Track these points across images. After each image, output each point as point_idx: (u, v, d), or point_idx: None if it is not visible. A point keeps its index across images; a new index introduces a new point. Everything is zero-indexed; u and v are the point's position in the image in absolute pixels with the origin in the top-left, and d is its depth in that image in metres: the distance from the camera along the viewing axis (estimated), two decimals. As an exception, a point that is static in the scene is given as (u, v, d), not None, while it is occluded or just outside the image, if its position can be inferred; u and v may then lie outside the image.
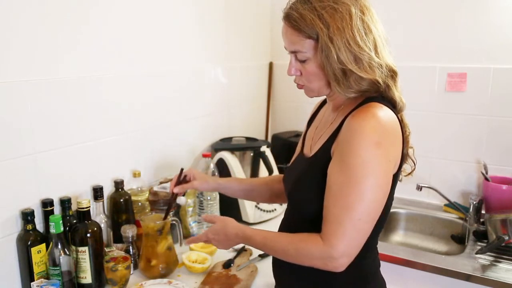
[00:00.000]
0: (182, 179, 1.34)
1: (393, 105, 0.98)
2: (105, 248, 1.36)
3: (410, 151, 1.08)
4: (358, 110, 0.93)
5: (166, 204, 1.56)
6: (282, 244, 0.97)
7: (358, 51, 0.90)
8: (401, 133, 0.95)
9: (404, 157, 1.07)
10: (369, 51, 0.91)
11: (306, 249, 0.92)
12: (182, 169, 1.35)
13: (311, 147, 1.06)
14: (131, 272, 1.33)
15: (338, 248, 0.88)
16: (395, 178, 0.96)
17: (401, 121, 1.01)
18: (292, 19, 0.94)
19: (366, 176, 0.87)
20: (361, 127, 0.88)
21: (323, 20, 0.90)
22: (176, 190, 1.31)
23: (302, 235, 0.96)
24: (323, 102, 1.19)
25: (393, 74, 0.97)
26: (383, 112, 0.91)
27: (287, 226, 1.11)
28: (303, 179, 1.02)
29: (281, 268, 1.11)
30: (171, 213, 1.57)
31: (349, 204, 0.87)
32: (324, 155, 0.96)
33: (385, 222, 1.04)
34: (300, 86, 1.03)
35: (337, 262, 0.89)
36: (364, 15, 0.92)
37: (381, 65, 0.93)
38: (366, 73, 0.91)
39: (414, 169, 1.09)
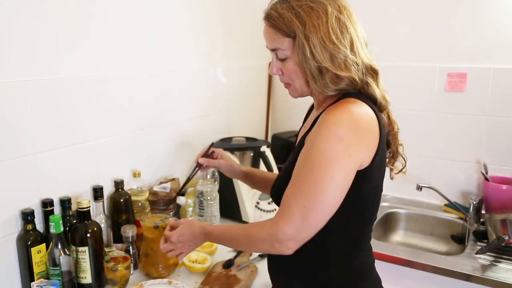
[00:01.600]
0: (209, 154, 1.36)
1: (374, 103, 0.98)
2: (105, 248, 1.36)
3: (400, 148, 1.09)
4: (333, 105, 0.95)
5: (166, 204, 1.56)
6: (236, 233, 1.00)
7: (332, 49, 0.92)
8: (377, 130, 0.95)
9: (394, 155, 1.08)
10: (345, 49, 0.92)
11: (255, 234, 0.95)
12: (212, 143, 1.39)
13: None
14: (131, 272, 1.33)
15: (283, 230, 0.90)
16: (370, 174, 0.95)
17: (387, 119, 1.03)
18: (271, 18, 0.97)
19: (320, 167, 0.88)
20: (327, 121, 0.90)
21: (300, 18, 0.93)
22: (201, 160, 1.34)
23: (255, 222, 0.99)
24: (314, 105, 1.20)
25: (372, 72, 0.98)
26: (357, 108, 0.92)
27: None
28: (283, 175, 1.04)
29: (275, 267, 1.12)
30: (171, 213, 1.58)
31: (300, 190, 0.90)
32: (300, 149, 0.98)
33: (371, 219, 1.04)
34: (287, 85, 1.05)
35: (283, 244, 0.90)
36: (341, 14, 0.94)
37: (357, 63, 0.94)
38: (341, 70, 0.93)
39: (405, 166, 1.10)
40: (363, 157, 0.93)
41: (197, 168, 1.36)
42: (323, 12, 0.92)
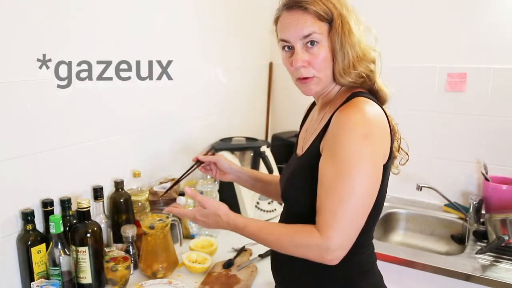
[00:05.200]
0: (209, 154, 1.39)
1: (377, 97, 1.01)
2: (105, 248, 1.36)
3: (401, 142, 1.09)
4: (345, 105, 0.95)
5: (166, 204, 1.56)
6: (276, 236, 0.97)
7: (361, 35, 0.97)
8: (388, 127, 0.96)
9: (397, 150, 1.09)
10: (365, 36, 0.99)
11: (302, 241, 0.93)
12: (213, 147, 1.49)
13: (302, 148, 1.07)
14: (131, 272, 1.33)
15: (335, 240, 0.88)
16: (385, 171, 0.97)
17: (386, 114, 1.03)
18: (305, 2, 0.95)
19: (355, 167, 0.88)
20: (348, 120, 0.90)
21: (334, 4, 0.95)
22: (199, 157, 1.34)
23: (297, 226, 0.97)
24: (312, 106, 1.21)
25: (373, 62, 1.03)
26: (370, 106, 0.93)
27: None
28: (294, 178, 1.03)
29: (279, 267, 1.12)
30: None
31: (342, 196, 0.88)
32: (313, 152, 0.98)
33: (377, 217, 1.05)
34: (306, 80, 0.99)
35: (333, 254, 0.89)
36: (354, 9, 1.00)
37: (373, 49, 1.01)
38: (369, 52, 0.98)
39: (408, 159, 1.11)
40: (385, 154, 0.95)
41: (194, 166, 1.35)
42: (347, 2, 0.98)
